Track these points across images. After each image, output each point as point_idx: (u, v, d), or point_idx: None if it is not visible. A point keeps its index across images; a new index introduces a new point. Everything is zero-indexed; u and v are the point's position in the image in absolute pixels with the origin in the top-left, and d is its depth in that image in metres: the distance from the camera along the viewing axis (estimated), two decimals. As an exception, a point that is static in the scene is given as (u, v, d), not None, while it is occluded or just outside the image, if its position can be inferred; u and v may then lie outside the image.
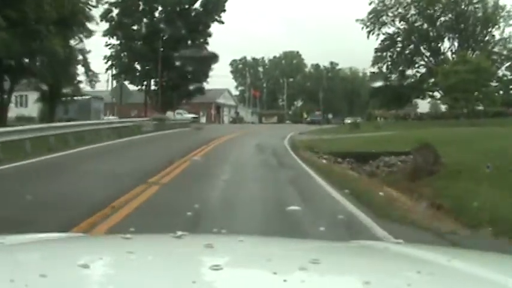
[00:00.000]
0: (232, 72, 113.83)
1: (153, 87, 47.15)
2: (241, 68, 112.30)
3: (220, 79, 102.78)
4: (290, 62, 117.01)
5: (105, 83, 48.20)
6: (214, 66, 47.92)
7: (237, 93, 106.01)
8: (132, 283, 1.18)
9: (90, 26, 30.90)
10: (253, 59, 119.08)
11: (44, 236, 1.90)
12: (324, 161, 15.89)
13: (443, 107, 74.57)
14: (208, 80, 46.39)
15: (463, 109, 41.45)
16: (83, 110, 38.35)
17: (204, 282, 1.18)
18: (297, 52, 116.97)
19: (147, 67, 45.65)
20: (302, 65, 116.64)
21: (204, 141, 20.18)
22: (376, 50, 57.48)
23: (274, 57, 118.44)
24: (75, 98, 35.32)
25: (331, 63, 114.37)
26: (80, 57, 32.47)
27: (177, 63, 43.88)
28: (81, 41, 30.79)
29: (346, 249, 1.80)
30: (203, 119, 73.52)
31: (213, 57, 45.07)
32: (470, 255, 1.81)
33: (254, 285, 1.20)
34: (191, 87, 46.41)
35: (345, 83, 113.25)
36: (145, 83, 47.10)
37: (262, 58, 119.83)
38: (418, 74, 57.91)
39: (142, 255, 1.49)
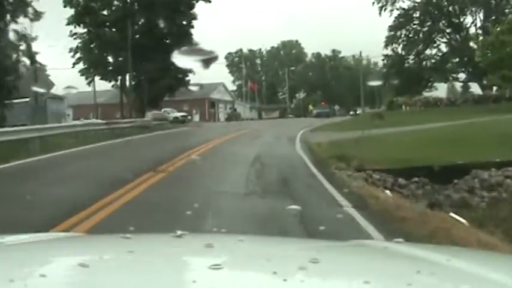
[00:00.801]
0: (228, 66, 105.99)
1: (130, 83, 39.20)
2: (238, 62, 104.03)
3: (214, 74, 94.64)
4: (289, 52, 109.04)
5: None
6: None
7: (234, 88, 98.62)
8: (132, 283, 1.16)
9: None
10: (250, 50, 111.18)
11: (44, 235, 1.90)
12: (388, 192, 8.18)
13: (459, 90, 66.98)
14: (195, 71, 38.40)
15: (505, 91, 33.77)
16: (37, 113, 30.86)
17: (204, 282, 1.14)
18: (296, 41, 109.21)
19: (120, 58, 37.76)
20: (302, 54, 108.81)
21: (171, 154, 12.36)
22: (390, 28, 49.75)
23: (272, 47, 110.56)
24: (24, 99, 27.82)
25: (333, 51, 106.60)
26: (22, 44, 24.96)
27: (156, 53, 36.04)
28: (14, 21, 23.22)
29: (346, 249, 1.77)
30: (196, 117, 66.02)
31: (213, 58, 37.47)
32: (470, 255, 1.78)
33: (254, 284, 1.19)
34: (184, 82, 38.36)
35: (349, 72, 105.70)
36: (119, 77, 39.23)
37: (260, 50, 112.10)
38: (438, 54, 50.26)
39: (142, 255, 1.46)
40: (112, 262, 1.41)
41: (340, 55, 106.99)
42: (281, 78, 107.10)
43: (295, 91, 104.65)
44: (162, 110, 53.59)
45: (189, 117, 56.13)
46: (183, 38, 37.67)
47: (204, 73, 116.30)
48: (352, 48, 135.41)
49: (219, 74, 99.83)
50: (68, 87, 25.68)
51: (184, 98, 67.80)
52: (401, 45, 51.05)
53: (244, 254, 1.55)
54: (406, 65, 49.67)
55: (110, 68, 39.18)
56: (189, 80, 38.30)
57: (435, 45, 51.43)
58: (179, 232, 1.57)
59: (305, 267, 1.18)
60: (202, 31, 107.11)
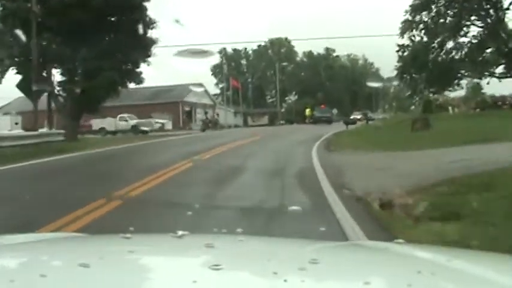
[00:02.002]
0: (210, 68, 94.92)
1: (61, 78, 27.71)
2: (221, 63, 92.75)
3: (193, 75, 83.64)
4: (278, 51, 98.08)
5: None
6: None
7: (218, 91, 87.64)
8: (132, 283, 1.18)
9: None
10: (234, 50, 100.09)
11: (43, 236, 1.96)
12: None
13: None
14: (150, 59, 27.14)
15: None
16: None
17: (204, 282, 1.14)
18: (286, 39, 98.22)
19: (44, 43, 26.44)
20: (292, 53, 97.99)
21: None
22: (412, 9, 38.95)
23: (259, 46, 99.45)
24: None
25: (327, 49, 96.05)
26: None
27: (94, 34, 24.92)
28: None
29: (346, 249, 1.77)
30: (169, 125, 54.81)
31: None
32: (470, 255, 1.76)
33: (254, 284, 1.19)
34: (134, 75, 27.17)
35: (345, 71, 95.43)
36: (45, 71, 27.75)
37: (245, 49, 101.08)
38: (472, 41, 39.39)
39: (143, 255, 1.48)
40: (112, 262, 1.39)
41: (335, 54, 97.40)
42: (269, 80, 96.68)
43: (286, 94, 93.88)
44: (118, 116, 42.38)
45: (157, 125, 44.95)
46: (133, 13, 26.60)
47: (179, 73, 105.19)
48: (346, 47, 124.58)
49: (200, 76, 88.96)
50: None
51: (153, 102, 56.86)
52: (423, 31, 40.18)
53: (244, 254, 1.54)
54: (431, 55, 38.90)
55: (30, 58, 27.72)
56: (140, 73, 27.09)
57: (463, 31, 40.57)
58: (179, 232, 1.54)
59: (305, 268, 1.18)
60: (182, 29, 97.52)
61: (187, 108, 56.41)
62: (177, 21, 45.15)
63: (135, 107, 52.51)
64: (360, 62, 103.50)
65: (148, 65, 27.03)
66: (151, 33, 27.32)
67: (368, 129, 26.60)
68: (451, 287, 1.22)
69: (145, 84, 28.93)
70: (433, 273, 1.22)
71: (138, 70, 26.89)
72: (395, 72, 45.65)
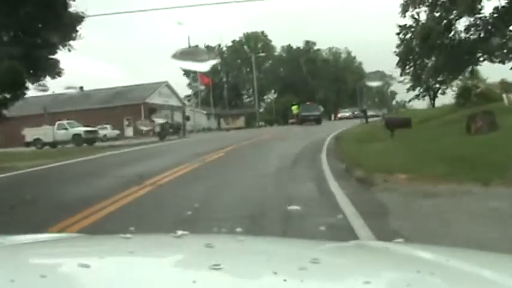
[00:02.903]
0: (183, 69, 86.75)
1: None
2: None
3: (160, 75, 75.58)
4: (254, 46, 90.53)
5: None
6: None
7: (190, 92, 79.90)
8: (132, 283, 1.16)
9: None
10: (207, 47, 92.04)
11: (44, 236, 1.90)
12: None
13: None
14: (73, 43, 19.19)
15: None
16: None
17: (204, 282, 1.13)
18: (262, 32, 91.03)
19: None
20: (270, 48, 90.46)
21: None
22: (418, -21, 31.66)
23: (234, 41, 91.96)
24: None
25: (307, 42, 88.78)
26: None
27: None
28: None
29: (346, 249, 1.73)
30: (130, 131, 46.90)
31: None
32: (469, 255, 1.75)
33: (254, 284, 1.19)
34: (49, 65, 19.23)
35: (328, 66, 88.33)
36: None
37: (219, 45, 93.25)
38: (494, 15, 32.33)
39: (142, 255, 1.47)
40: (112, 262, 1.39)
41: (315, 47, 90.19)
42: (245, 78, 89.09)
43: (264, 92, 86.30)
44: (56, 124, 34.08)
45: (105, 133, 36.95)
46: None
47: (145, 73, 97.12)
48: (325, 40, 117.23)
49: (170, 77, 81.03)
50: None
51: (111, 105, 48.83)
52: (429, 8, 32.89)
53: (244, 254, 1.53)
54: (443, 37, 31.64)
55: None
56: (57, 62, 19.05)
57: (480, 6, 33.43)
58: (179, 232, 1.53)
59: (305, 268, 1.18)
60: (151, 26, 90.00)
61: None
62: (179, 23, 38.70)
63: (90, 111, 44.62)
64: (343, 55, 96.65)
65: (70, 50, 19.04)
66: (75, 7, 19.47)
67: (381, 132, 19.10)
68: (450, 286, 1.20)
69: (105, 86, 21.31)
70: (432, 273, 1.21)
71: (54, 57, 18.84)
72: (387, 64, 38.44)
